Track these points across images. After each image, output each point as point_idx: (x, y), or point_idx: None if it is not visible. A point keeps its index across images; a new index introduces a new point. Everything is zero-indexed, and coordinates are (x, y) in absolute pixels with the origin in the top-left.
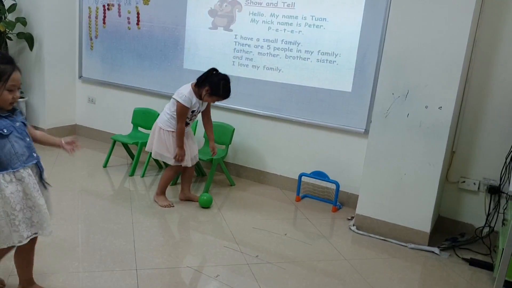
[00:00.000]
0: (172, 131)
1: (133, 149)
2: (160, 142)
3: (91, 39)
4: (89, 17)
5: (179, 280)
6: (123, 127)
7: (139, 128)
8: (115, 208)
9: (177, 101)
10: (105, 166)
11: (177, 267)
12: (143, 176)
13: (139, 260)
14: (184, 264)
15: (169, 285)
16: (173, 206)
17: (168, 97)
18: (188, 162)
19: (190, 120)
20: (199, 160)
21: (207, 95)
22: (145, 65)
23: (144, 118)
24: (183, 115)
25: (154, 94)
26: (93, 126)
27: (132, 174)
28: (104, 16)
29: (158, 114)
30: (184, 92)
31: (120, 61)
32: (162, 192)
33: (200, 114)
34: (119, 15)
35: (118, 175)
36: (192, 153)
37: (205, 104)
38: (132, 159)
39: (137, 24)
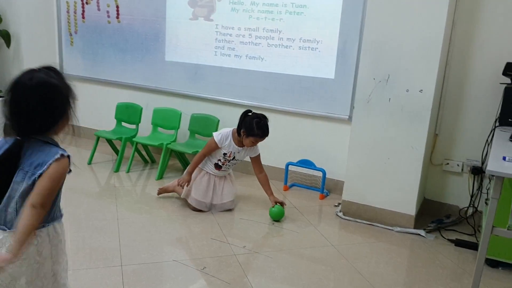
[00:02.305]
0: (203, 170)
1: (117, 145)
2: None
3: (70, 34)
4: (68, 12)
5: (166, 274)
6: (107, 123)
7: (123, 123)
8: (100, 205)
9: (212, 137)
10: (89, 163)
11: (163, 261)
12: (128, 171)
13: (124, 256)
14: (170, 258)
15: (155, 279)
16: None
17: (151, 90)
18: (192, 199)
19: (222, 163)
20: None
21: (244, 137)
22: (127, 59)
23: (127, 113)
24: (209, 148)
25: (137, 88)
26: (76, 123)
27: (117, 170)
28: (83, 11)
29: (141, 108)
30: (223, 132)
31: (101, 56)
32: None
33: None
34: (98, 9)
35: (103, 172)
36: (210, 198)
37: (246, 153)
38: (117, 154)
39: (117, 17)
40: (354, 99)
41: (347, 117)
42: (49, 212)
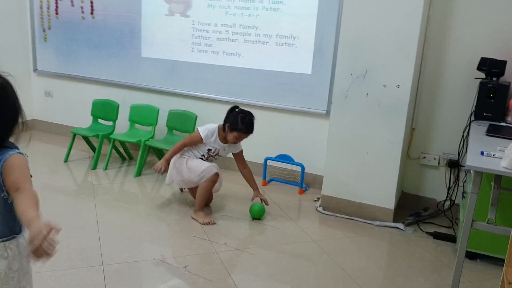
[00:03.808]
0: (186, 158)
1: (94, 142)
2: (179, 170)
3: (44, 30)
4: (41, 7)
5: (147, 273)
6: (83, 120)
7: (99, 120)
8: (78, 204)
9: (197, 129)
10: (66, 160)
11: (145, 260)
12: (105, 169)
13: (105, 255)
14: (152, 257)
15: (137, 278)
16: (215, 223)
17: (128, 86)
18: (174, 183)
19: (206, 159)
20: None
21: (228, 131)
22: (102, 55)
23: (103, 110)
24: (192, 140)
25: (113, 84)
26: (51, 120)
27: (94, 167)
28: (56, 6)
29: (118, 105)
30: (209, 127)
31: (76, 52)
32: (200, 208)
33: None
34: (72, 5)
35: (80, 169)
36: (187, 178)
37: (230, 149)
38: (94, 152)
39: (91, 13)
40: (332, 94)
41: (325, 112)
42: (17, 222)
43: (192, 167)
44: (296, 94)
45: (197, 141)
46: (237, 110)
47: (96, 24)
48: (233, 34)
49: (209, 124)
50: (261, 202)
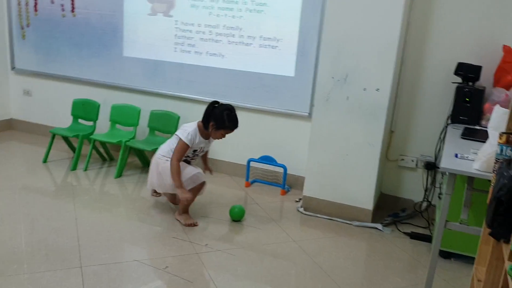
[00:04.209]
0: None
1: (74, 142)
2: (162, 175)
3: (22, 27)
4: (19, 4)
5: (127, 274)
6: (63, 120)
7: (80, 120)
8: (57, 205)
9: (180, 139)
10: (45, 161)
11: (124, 262)
12: (85, 170)
13: (84, 257)
14: (131, 258)
15: (117, 280)
16: (197, 225)
17: (109, 86)
18: (158, 189)
19: (191, 159)
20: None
21: (213, 130)
22: (83, 54)
23: (84, 110)
24: (181, 152)
25: (94, 84)
26: (30, 120)
27: (74, 168)
28: (36, 3)
29: (99, 105)
30: (189, 130)
31: (56, 50)
32: (184, 210)
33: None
34: (52, 2)
35: (60, 170)
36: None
37: (212, 142)
38: (74, 152)
39: (72, 11)
40: (314, 97)
41: (307, 114)
42: None
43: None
44: (279, 96)
45: (186, 149)
46: (217, 106)
47: (77, 22)
48: (216, 35)
49: (186, 126)
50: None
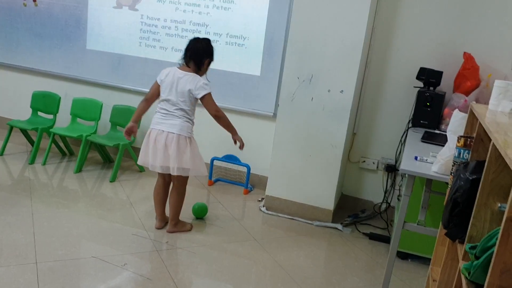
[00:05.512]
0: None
1: (33, 136)
2: (184, 154)
3: None
4: None
5: (84, 271)
6: (22, 112)
7: (39, 113)
8: (13, 199)
9: (206, 93)
10: (1, 154)
11: (82, 258)
12: (44, 164)
13: (39, 253)
14: (89, 255)
15: (72, 276)
16: (192, 227)
17: (71, 79)
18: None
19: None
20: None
21: (207, 65)
22: (45, 45)
23: (44, 102)
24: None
25: (55, 76)
26: None
27: (32, 162)
28: None
29: (60, 98)
30: (201, 79)
31: (16, 40)
32: (177, 217)
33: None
34: None
35: (17, 164)
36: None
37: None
38: (32, 146)
39: (34, 0)
40: (279, 97)
41: (272, 114)
42: None
43: (195, 154)
44: (244, 95)
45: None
46: (200, 40)
47: (39, 12)
48: (182, 30)
49: (193, 80)
50: None
